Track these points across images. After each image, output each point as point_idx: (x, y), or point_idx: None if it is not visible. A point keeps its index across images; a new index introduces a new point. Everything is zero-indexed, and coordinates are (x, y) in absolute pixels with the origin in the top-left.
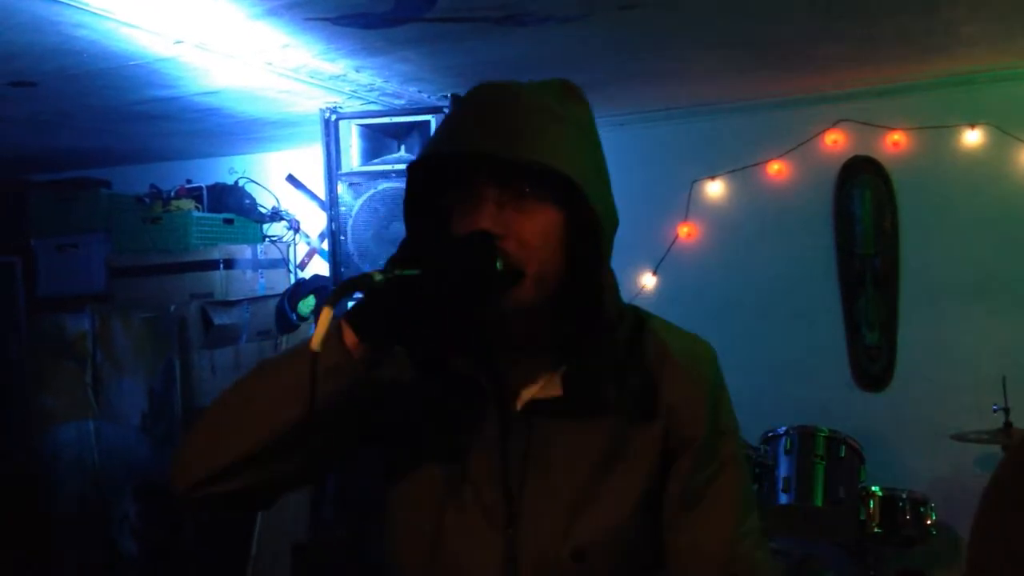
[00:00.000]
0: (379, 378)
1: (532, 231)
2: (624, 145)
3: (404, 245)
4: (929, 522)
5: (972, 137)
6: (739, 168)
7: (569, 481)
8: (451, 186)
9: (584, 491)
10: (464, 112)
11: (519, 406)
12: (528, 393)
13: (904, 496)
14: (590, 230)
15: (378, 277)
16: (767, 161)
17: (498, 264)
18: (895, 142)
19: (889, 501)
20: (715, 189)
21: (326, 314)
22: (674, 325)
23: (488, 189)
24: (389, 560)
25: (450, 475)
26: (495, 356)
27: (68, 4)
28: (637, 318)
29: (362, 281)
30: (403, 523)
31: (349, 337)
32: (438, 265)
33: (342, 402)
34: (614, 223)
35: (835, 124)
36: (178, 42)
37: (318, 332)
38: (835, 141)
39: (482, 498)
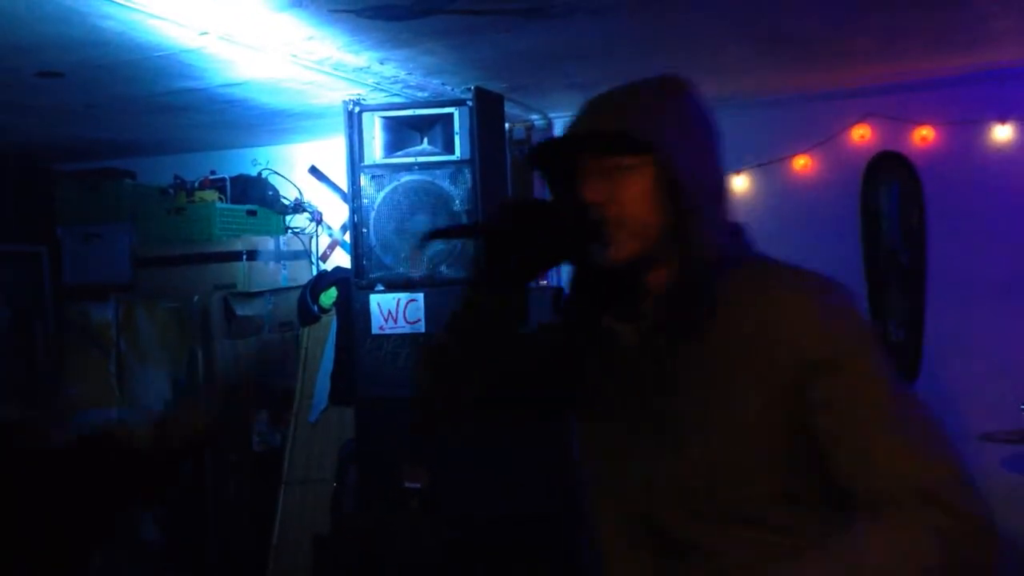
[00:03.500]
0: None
1: (628, 195)
2: None
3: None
4: None
5: (1002, 133)
6: (764, 163)
7: (691, 410)
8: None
9: (705, 418)
10: (581, 110)
11: (640, 348)
12: (646, 334)
13: None
14: (676, 190)
15: (453, 227)
16: (792, 156)
17: (586, 218)
18: (923, 137)
19: None
20: (739, 184)
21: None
22: (791, 265)
23: (592, 162)
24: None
25: (604, 414)
26: (634, 307)
27: None
28: (757, 259)
29: (442, 231)
30: (582, 458)
31: (480, 287)
32: (508, 220)
33: (497, 331)
34: (707, 183)
35: (863, 119)
36: (203, 33)
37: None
38: (862, 136)
39: (626, 430)
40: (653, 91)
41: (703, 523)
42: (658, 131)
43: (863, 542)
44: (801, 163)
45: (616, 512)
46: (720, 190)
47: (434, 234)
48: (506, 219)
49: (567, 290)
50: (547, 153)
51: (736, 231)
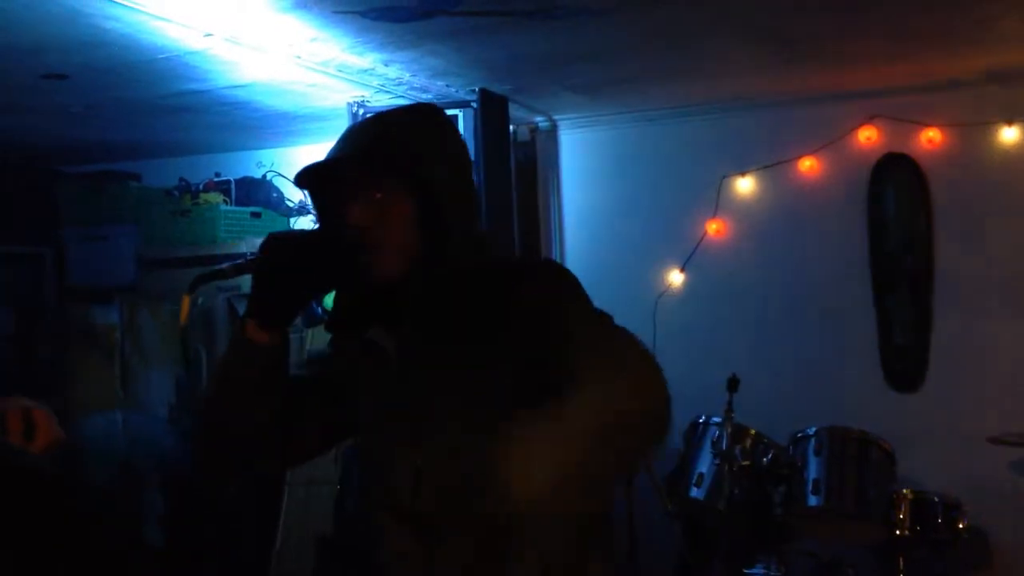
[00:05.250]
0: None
1: (387, 217)
2: (653, 140)
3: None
4: (961, 526)
5: (1009, 135)
6: (770, 164)
7: (444, 407)
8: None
9: (453, 416)
10: (341, 136)
11: (396, 356)
12: (401, 343)
13: (936, 499)
14: (433, 214)
15: (224, 267)
16: (799, 157)
17: (345, 240)
18: (930, 139)
19: (920, 504)
20: (745, 185)
21: (185, 301)
22: (523, 257)
23: (354, 186)
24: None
25: (376, 417)
26: (395, 320)
27: None
28: (500, 261)
29: (213, 273)
30: (360, 458)
31: (251, 324)
32: (275, 253)
33: (273, 371)
34: (461, 202)
35: (869, 120)
36: (208, 35)
37: (182, 313)
38: (868, 138)
39: (396, 431)
40: (408, 119)
41: (450, 504)
42: (415, 156)
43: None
44: (807, 165)
45: (388, 511)
46: (472, 207)
47: (202, 277)
48: (272, 253)
49: (331, 310)
50: (311, 177)
51: (484, 241)
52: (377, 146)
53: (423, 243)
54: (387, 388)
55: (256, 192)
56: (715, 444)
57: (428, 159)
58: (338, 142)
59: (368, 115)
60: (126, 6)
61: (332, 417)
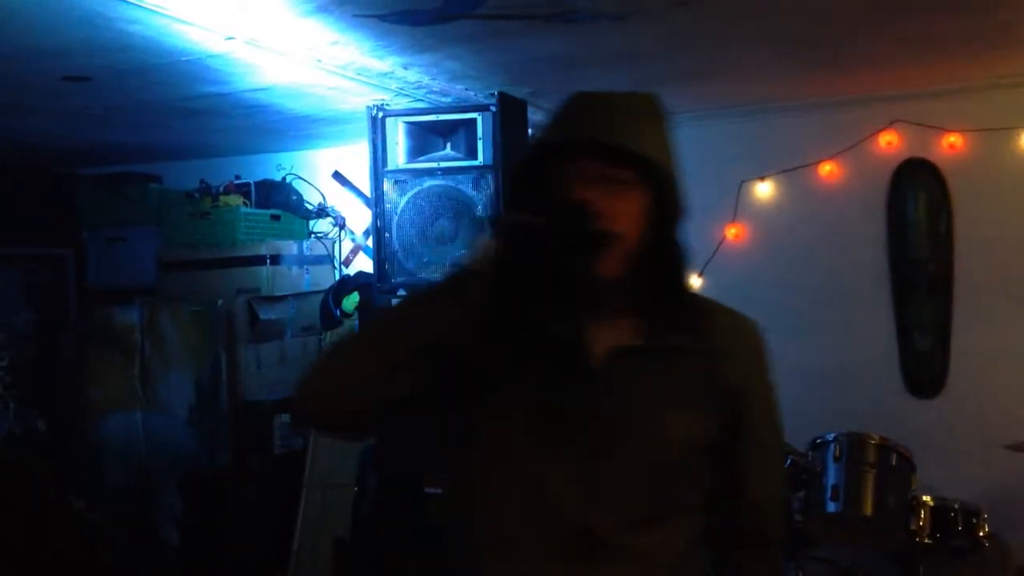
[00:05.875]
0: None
1: (625, 209)
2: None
3: (511, 208)
4: (981, 533)
5: None
6: (789, 169)
7: (643, 423)
8: (557, 167)
9: (653, 436)
10: (571, 110)
11: (601, 359)
12: (609, 346)
13: (956, 506)
14: (669, 214)
15: (507, 220)
16: (818, 162)
17: (591, 227)
18: (951, 144)
19: (940, 511)
20: (764, 190)
21: (483, 246)
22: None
23: (592, 170)
24: (477, 506)
25: (545, 422)
26: (585, 322)
27: (122, 0)
28: (693, 294)
29: (519, 219)
30: (500, 467)
31: (473, 282)
32: (550, 219)
33: (453, 325)
34: (685, 211)
35: (890, 125)
36: (229, 38)
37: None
38: (889, 142)
39: (571, 439)
40: (651, 109)
41: (628, 523)
42: (663, 152)
43: None
44: (827, 169)
45: (526, 513)
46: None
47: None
48: (547, 217)
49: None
50: (542, 152)
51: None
52: (633, 134)
53: (646, 246)
54: (561, 390)
55: (276, 195)
56: None
57: (668, 155)
58: (573, 120)
59: (599, 94)
60: (149, 9)
61: (434, 390)
